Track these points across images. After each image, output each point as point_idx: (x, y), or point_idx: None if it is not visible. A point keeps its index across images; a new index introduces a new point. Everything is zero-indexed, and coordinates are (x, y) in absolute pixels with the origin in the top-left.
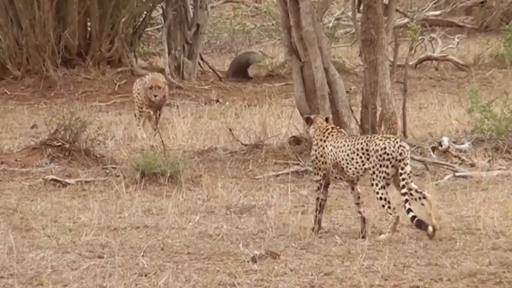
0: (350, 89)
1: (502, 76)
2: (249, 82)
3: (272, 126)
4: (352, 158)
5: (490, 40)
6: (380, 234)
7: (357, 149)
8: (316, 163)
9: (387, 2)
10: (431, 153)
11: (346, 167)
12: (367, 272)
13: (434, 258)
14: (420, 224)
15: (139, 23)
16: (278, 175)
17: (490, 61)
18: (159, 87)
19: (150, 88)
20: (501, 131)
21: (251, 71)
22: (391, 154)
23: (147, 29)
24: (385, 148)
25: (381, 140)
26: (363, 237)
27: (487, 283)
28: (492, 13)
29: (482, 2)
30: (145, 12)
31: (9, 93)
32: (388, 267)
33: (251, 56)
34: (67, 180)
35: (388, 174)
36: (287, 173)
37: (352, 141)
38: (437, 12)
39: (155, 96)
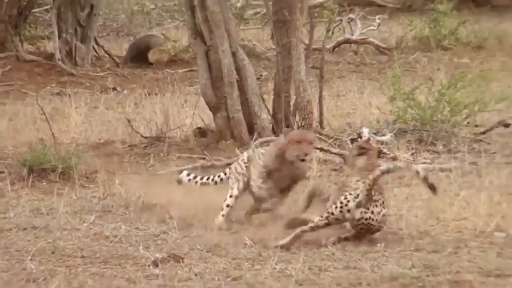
0: (261, 75)
1: (427, 60)
2: (149, 68)
3: (175, 116)
4: None
5: (413, 21)
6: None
7: None
8: None
9: None
10: (350, 145)
11: None
12: (279, 277)
13: (352, 261)
14: None
15: (25, 4)
16: (182, 170)
17: (414, 44)
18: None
19: (299, 142)
20: (426, 121)
21: (151, 56)
22: None
23: (34, 10)
24: None
25: None
26: None
27: (409, 287)
28: None
29: None
30: None
31: None
32: (303, 271)
33: (151, 40)
34: None
35: None
36: (192, 168)
37: None
38: None
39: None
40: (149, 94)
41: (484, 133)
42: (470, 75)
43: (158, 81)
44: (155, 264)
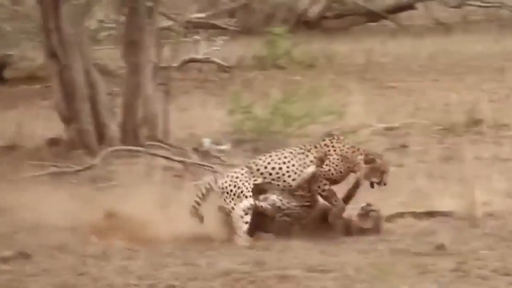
0: (112, 91)
1: (263, 77)
2: (5, 84)
3: (28, 128)
4: None
5: (252, 42)
6: None
7: None
8: None
9: (150, 4)
10: (192, 154)
11: None
12: (122, 272)
13: (190, 258)
14: None
15: None
16: (34, 177)
17: (252, 63)
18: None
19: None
20: (262, 132)
21: (7, 74)
22: None
23: None
24: None
25: None
26: None
27: (241, 281)
28: (254, 15)
29: (245, 5)
30: None
31: None
32: (144, 267)
33: (7, 58)
34: None
35: None
36: (43, 175)
37: None
38: (201, 15)
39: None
40: (4, 108)
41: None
42: (302, 91)
43: (13, 96)
44: (4, 261)
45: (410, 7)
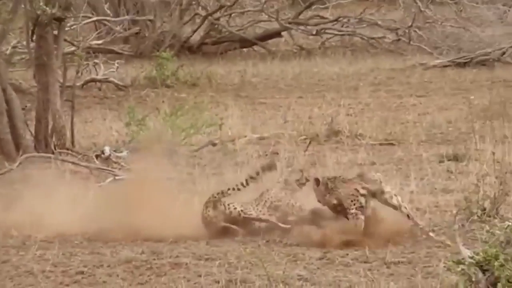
0: (26, 106)
1: (154, 95)
2: None
3: None
4: None
5: (144, 64)
6: None
7: None
8: None
9: (56, 32)
10: (95, 160)
11: None
12: (39, 260)
13: (96, 248)
14: None
15: None
16: None
17: (145, 82)
18: None
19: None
20: (153, 141)
21: None
22: None
23: None
24: None
25: None
26: None
27: (140, 268)
28: (145, 42)
29: (137, 33)
30: None
31: None
32: (58, 255)
33: None
34: None
35: None
36: None
37: None
38: (100, 41)
39: None
40: None
41: (197, 150)
42: (187, 106)
43: None
44: None
45: (277, 34)
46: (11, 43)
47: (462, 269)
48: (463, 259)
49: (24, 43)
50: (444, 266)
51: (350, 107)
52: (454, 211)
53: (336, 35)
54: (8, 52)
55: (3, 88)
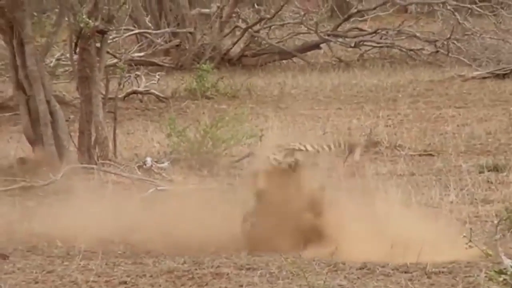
0: (69, 118)
1: (195, 106)
2: None
3: (2, 149)
4: None
5: (184, 77)
6: None
7: None
8: None
9: (99, 45)
10: (137, 171)
11: None
12: (83, 270)
13: (139, 257)
14: None
15: None
16: (7, 190)
17: (185, 94)
18: None
19: None
20: (194, 152)
21: None
22: None
23: None
24: None
25: None
26: None
27: (182, 278)
28: (186, 54)
29: (178, 45)
30: None
31: None
32: (101, 265)
33: None
34: None
35: None
36: (15, 189)
37: None
38: (141, 54)
39: None
40: None
41: (238, 161)
42: (227, 118)
43: None
44: None
45: (316, 46)
46: (55, 55)
47: (504, 279)
48: (504, 269)
49: (68, 55)
50: (486, 276)
51: (389, 118)
52: (495, 221)
53: (374, 47)
54: (52, 64)
55: (47, 100)
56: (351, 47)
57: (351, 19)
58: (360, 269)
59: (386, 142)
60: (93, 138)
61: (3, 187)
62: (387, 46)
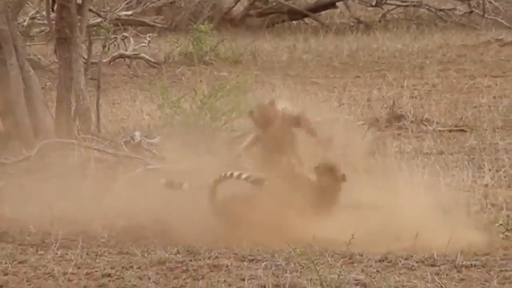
0: (46, 85)
1: (191, 73)
2: None
3: None
4: None
5: (179, 39)
6: None
7: None
8: None
9: (80, 2)
10: (124, 147)
11: None
12: (60, 261)
13: (125, 247)
14: None
15: None
16: None
17: (180, 59)
18: None
19: None
20: (190, 125)
21: None
22: None
23: None
24: None
25: None
26: None
27: (175, 270)
28: (181, 13)
29: (171, 3)
30: None
31: None
32: (81, 255)
33: None
34: None
35: None
36: None
37: None
38: (129, 12)
39: None
40: None
41: (239, 137)
42: (228, 86)
43: None
44: None
45: (331, 5)
46: (29, 13)
47: None
48: None
49: (44, 13)
50: None
51: (415, 89)
52: None
53: (399, 6)
54: (25, 24)
55: (19, 64)
56: (371, 6)
57: None
58: (379, 261)
59: (412, 115)
60: (73, 109)
61: None
62: (414, 5)
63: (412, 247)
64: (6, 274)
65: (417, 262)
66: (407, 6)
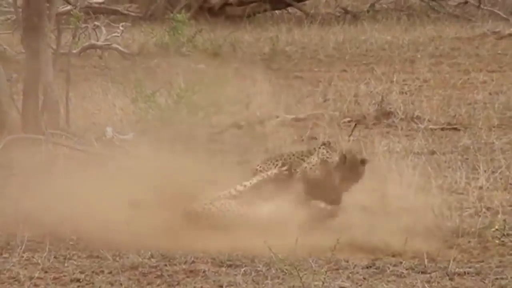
0: (11, 77)
1: (166, 65)
2: None
3: None
4: None
5: (154, 28)
6: None
7: None
8: None
9: None
10: (95, 143)
11: None
12: (26, 264)
13: (96, 250)
14: None
15: None
16: None
17: (155, 50)
18: None
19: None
20: (166, 121)
21: None
22: None
23: None
24: None
25: None
26: None
27: (148, 276)
28: (156, 1)
29: None
30: None
31: None
32: (49, 259)
33: None
34: None
35: None
36: None
37: None
38: (101, 0)
39: None
40: None
41: (218, 133)
42: (206, 80)
43: None
44: None
45: None
46: None
47: None
48: None
49: (10, 0)
50: None
51: (405, 84)
52: None
53: None
54: None
55: None
56: None
57: None
58: (366, 267)
59: (401, 112)
60: (40, 102)
61: None
62: None
63: (401, 253)
64: None
65: (406, 269)
66: None
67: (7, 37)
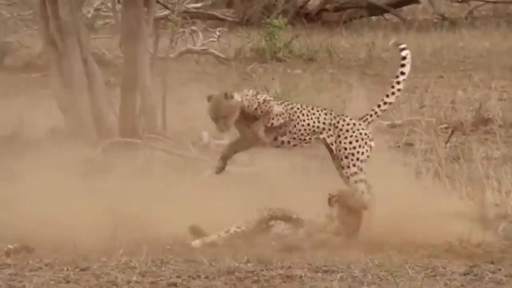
0: (109, 81)
1: (262, 70)
2: (3, 72)
3: (29, 117)
4: None
5: (251, 34)
6: None
7: None
8: None
9: None
10: (191, 147)
11: None
12: (124, 268)
13: (192, 254)
14: None
15: None
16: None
17: (251, 55)
18: None
19: None
20: None
21: (7, 61)
22: None
23: None
24: None
25: None
26: None
27: (245, 281)
28: (253, 6)
29: None
30: None
31: None
32: (146, 263)
33: (7, 45)
34: None
35: None
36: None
37: None
38: (198, 5)
39: None
40: (3, 97)
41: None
42: (302, 85)
43: (12, 84)
44: (7, 254)
45: (413, 0)
46: (93, 4)
47: None
48: None
49: (109, 5)
50: None
51: (504, 91)
52: None
53: (487, 2)
54: (90, 15)
55: (83, 58)
56: (457, 1)
57: None
58: (464, 274)
59: (500, 119)
60: (138, 107)
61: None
62: (504, 1)
63: (500, 260)
64: (68, 282)
65: (505, 276)
66: (496, 2)
67: (106, 41)
